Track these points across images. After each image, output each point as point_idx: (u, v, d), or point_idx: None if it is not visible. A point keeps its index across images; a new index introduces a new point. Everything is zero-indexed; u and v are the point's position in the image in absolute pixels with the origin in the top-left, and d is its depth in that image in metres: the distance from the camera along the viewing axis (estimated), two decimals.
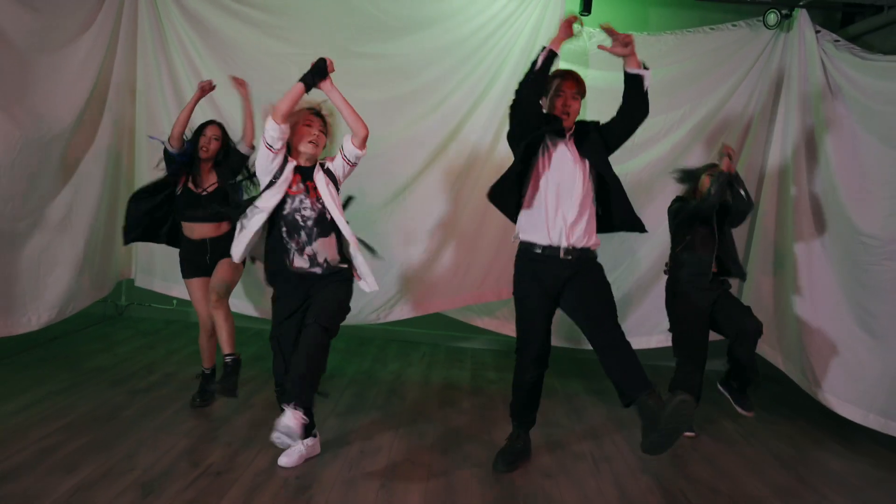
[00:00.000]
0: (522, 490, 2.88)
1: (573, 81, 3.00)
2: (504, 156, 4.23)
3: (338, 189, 3.03)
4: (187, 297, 3.73)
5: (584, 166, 2.97)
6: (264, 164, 2.89)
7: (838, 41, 4.10)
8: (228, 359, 3.38)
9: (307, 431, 2.91)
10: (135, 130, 4.32)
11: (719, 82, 4.31)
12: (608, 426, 3.79)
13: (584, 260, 2.99)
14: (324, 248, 2.95)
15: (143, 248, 4.52)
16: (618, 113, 3.02)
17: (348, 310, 3.06)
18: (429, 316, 4.60)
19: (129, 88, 4.23)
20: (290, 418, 2.74)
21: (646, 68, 2.92)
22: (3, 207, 3.48)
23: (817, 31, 4.16)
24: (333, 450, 3.10)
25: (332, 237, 2.97)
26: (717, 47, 4.31)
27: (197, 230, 3.51)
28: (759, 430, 3.92)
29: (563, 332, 4.32)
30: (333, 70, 2.90)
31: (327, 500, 2.63)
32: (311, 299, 2.97)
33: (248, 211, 2.92)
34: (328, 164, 3.01)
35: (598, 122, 3.07)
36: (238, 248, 2.96)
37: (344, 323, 4.49)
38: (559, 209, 2.93)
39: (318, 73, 2.86)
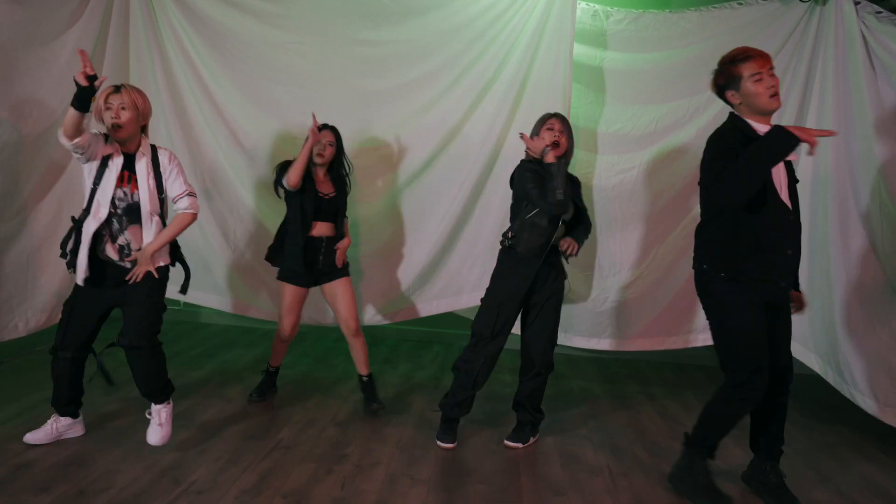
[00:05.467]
0: None
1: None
2: (516, 141, 3.98)
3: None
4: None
5: None
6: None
7: (880, 13, 3.73)
8: (365, 378, 3.65)
9: (73, 410, 2.98)
10: None
11: None
12: (629, 435, 3.53)
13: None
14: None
15: None
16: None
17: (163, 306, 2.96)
18: (442, 315, 4.36)
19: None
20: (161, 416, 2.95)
21: None
22: None
23: (857, 3, 3.78)
24: (328, 464, 2.89)
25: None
26: (745, 23, 3.97)
27: (317, 228, 3.52)
28: (797, 440, 3.60)
29: (581, 328, 4.08)
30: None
31: None
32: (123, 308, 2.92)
33: None
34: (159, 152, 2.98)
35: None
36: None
37: None
38: None
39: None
